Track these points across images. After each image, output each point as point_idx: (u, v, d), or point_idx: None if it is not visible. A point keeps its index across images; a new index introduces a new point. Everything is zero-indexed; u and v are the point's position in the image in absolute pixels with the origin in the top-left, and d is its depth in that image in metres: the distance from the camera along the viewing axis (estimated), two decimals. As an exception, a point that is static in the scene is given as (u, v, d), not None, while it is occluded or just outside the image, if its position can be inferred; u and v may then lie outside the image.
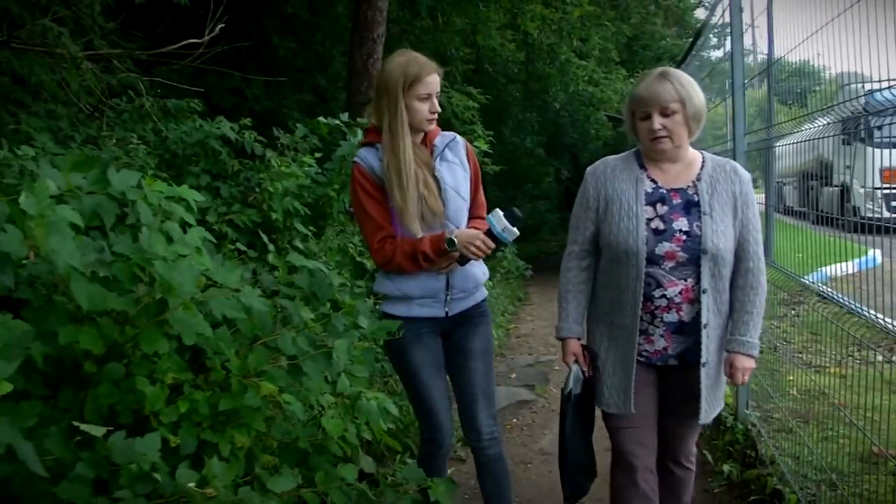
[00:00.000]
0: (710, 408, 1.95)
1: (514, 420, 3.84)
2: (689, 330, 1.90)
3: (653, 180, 1.93)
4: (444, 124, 6.19)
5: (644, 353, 1.94)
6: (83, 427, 1.33)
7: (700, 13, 16.77)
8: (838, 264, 2.81)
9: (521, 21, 8.06)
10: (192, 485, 1.33)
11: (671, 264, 1.86)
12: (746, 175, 1.95)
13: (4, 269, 1.48)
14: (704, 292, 1.86)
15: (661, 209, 1.89)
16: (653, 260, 1.86)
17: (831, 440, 2.56)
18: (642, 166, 1.96)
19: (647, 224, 1.87)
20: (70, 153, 2.14)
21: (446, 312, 2.09)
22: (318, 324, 1.79)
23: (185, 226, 1.65)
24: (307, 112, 6.13)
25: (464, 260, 2.01)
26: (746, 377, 1.94)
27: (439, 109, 2.05)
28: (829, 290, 2.71)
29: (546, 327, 6.26)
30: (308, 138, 4.25)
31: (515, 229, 1.96)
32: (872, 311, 2.36)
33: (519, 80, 9.47)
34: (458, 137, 2.19)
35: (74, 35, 3.71)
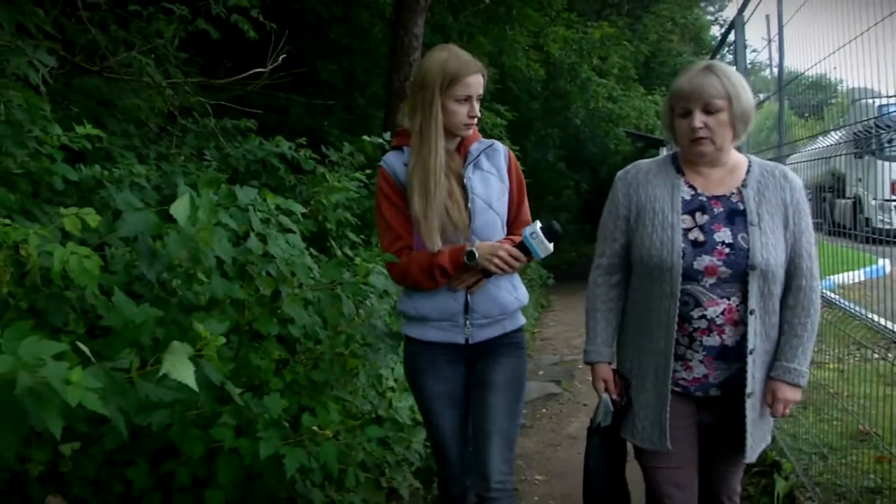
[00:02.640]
0: (756, 443, 1.73)
1: (544, 410, 4.26)
2: (734, 356, 1.67)
3: (691, 186, 1.73)
4: (474, 141, 6.59)
5: (681, 382, 1.71)
6: (227, 387, 1.73)
7: (715, 30, 17.11)
8: (847, 273, 3.10)
9: (544, 42, 8.47)
10: (315, 428, 1.72)
11: (712, 280, 1.65)
12: (798, 181, 1.74)
13: (152, 265, 1.91)
14: (752, 313, 1.63)
15: (701, 219, 1.69)
16: (690, 276, 1.65)
17: (825, 422, 2.92)
18: (679, 171, 1.75)
19: (685, 235, 1.67)
20: (206, 174, 2.55)
21: (466, 339, 1.85)
22: (392, 316, 2.19)
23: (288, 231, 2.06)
24: (346, 130, 6.59)
25: (488, 274, 1.81)
26: (788, 410, 1.71)
27: (479, 114, 1.85)
28: (835, 296, 2.99)
29: (568, 331, 6.64)
30: (354, 155, 4.70)
31: (550, 245, 1.77)
32: (874, 316, 2.64)
33: (541, 97, 9.88)
34: (499, 145, 1.96)
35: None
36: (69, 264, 1.59)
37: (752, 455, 1.71)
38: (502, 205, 1.90)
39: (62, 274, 1.65)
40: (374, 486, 2.07)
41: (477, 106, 1.84)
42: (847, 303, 2.83)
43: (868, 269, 2.96)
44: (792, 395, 1.69)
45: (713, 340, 1.66)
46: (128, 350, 1.34)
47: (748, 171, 1.73)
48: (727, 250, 1.65)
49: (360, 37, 6.77)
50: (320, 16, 6.43)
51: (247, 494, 1.81)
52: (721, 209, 1.69)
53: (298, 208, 2.07)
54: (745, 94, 1.65)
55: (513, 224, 1.95)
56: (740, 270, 1.64)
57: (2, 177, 2.21)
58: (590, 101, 9.78)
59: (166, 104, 4.56)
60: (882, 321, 2.51)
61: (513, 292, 1.91)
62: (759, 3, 3.55)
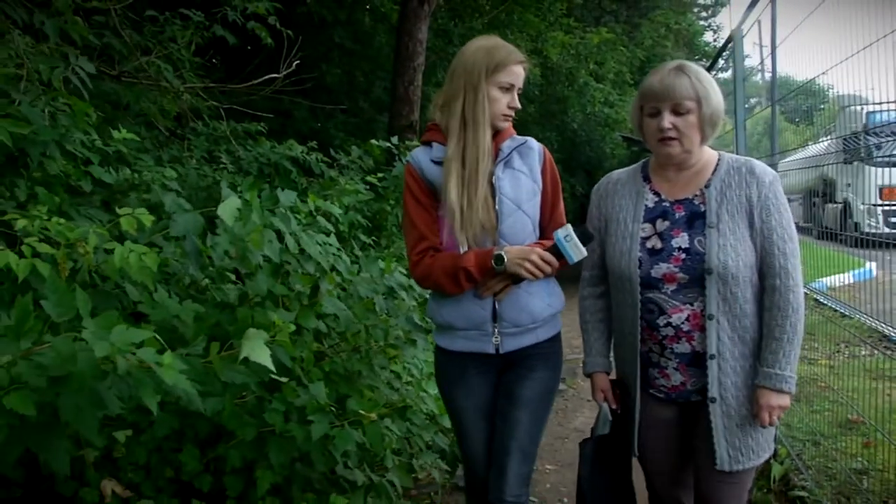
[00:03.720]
0: (736, 452, 1.64)
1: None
2: (706, 361, 1.64)
3: (656, 193, 1.71)
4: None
5: (662, 389, 1.71)
6: (273, 376, 1.85)
7: (708, 36, 17.37)
8: (837, 275, 3.24)
9: (543, 47, 8.64)
10: (361, 412, 1.85)
11: (672, 287, 1.63)
12: (768, 175, 1.63)
13: (198, 263, 2.03)
14: (710, 318, 1.60)
15: (661, 225, 1.67)
16: (650, 284, 1.64)
17: (817, 412, 3.11)
18: (646, 178, 1.74)
19: (643, 243, 1.66)
20: (247, 180, 2.66)
21: (496, 349, 1.77)
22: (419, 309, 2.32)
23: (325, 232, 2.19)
24: (350, 133, 6.71)
25: (517, 280, 1.72)
26: (775, 417, 1.62)
27: (519, 106, 1.77)
28: (826, 297, 3.12)
29: (569, 332, 6.71)
30: (363, 159, 4.82)
31: (584, 249, 1.68)
32: (862, 315, 2.80)
33: (538, 101, 10.03)
34: (534, 143, 1.84)
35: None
36: (129, 261, 1.69)
37: (728, 464, 1.63)
38: (533, 206, 1.79)
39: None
40: (405, 469, 2.20)
41: (517, 98, 1.76)
42: (840, 304, 3.00)
43: (856, 272, 3.08)
44: (777, 401, 1.59)
45: (683, 347, 1.64)
46: (201, 338, 1.45)
47: (715, 170, 1.67)
48: (683, 256, 1.62)
49: (363, 41, 6.89)
50: (325, 19, 6.55)
51: (292, 476, 1.93)
52: (682, 213, 1.66)
53: (336, 210, 2.19)
54: (716, 97, 1.61)
55: (546, 228, 1.84)
56: (697, 275, 1.60)
57: (45, 179, 2.32)
58: (587, 105, 9.95)
59: (178, 108, 4.68)
60: (869, 320, 2.67)
61: (545, 299, 1.80)
62: (759, 14, 3.68)
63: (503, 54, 1.72)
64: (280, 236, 2.01)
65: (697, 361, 1.64)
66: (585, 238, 1.69)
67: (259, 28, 4.06)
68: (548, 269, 1.68)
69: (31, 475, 1.81)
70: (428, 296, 1.94)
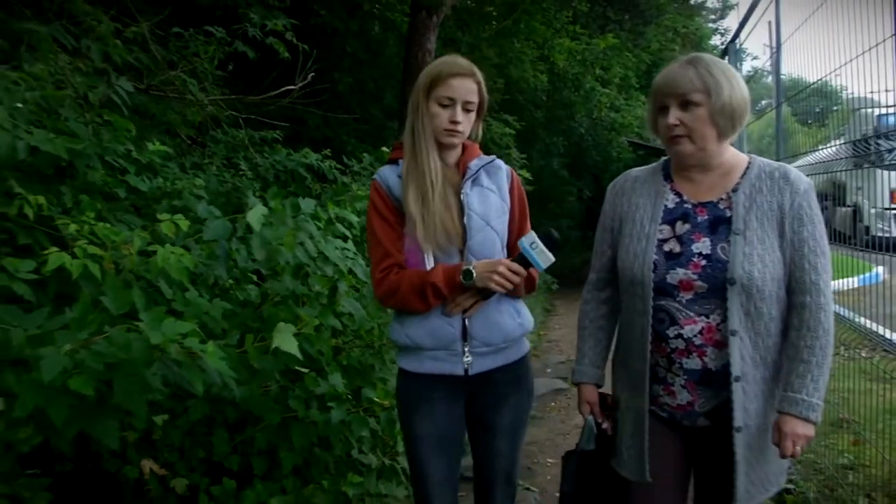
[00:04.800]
0: (755, 488, 1.51)
1: (553, 403, 4.64)
2: (720, 382, 1.49)
3: (677, 193, 1.58)
4: (482, 150, 6.93)
5: (666, 408, 1.56)
6: (296, 367, 2.05)
7: (716, 40, 17.48)
8: (843, 280, 3.33)
9: (549, 53, 8.84)
10: (376, 399, 2.05)
11: (688, 296, 1.49)
12: (803, 183, 1.51)
13: (226, 265, 2.24)
14: (734, 334, 1.45)
15: (681, 228, 1.54)
16: (664, 290, 1.51)
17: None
18: (668, 177, 1.62)
19: (660, 246, 1.54)
20: (272, 190, 2.87)
21: (466, 370, 1.69)
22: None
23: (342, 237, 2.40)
24: (361, 139, 6.93)
25: (486, 295, 1.67)
26: (799, 448, 1.46)
27: (461, 121, 1.69)
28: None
29: (572, 333, 6.94)
30: (375, 165, 5.04)
31: (551, 254, 1.64)
32: (864, 320, 2.85)
33: (545, 106, 10.23)
34: (501, 163, 1.84)
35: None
36: (169, 261, 1.91)
37: (746, 499, 1.49)
38: (502, 224, 1.76)
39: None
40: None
41: (460, 112, 1.68)
42: (839, 308, 3.09)
43: (864, 276, 3.15)
44: (803, 430, 1.44)
45: (693, 363, 1.49)
46: (234, 331, 1.66)
47: (744, 174, 1.54)
48: (703, 262, 1.49)
49: (373, 50, 7.13)
50: (337, 30, 6.78)
51: (312, 458, 2.13)
52: (705, 217, 1.54)
53: (354, 218, 2.40)
54: (729, 87, 1.47)
55: (513, 246, 1.79)
56: (718, 285, 1.46)
57: (86, 188, 2.55)
58: (593, 110, 10.13)
59: (200, 117, 4.92)
60: (869, 324, 2.75)
61: (516, 317, 1.76)
62: (754, 25, 3.60)
63: (440, 69, 1.68)
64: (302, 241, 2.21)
65: (708, 380, 1.49)
66: (551, 243, 1.63)
67: (277, 44, 4.28)
68: (516, 279, 1.63)
69: (80, 452, 2.02)
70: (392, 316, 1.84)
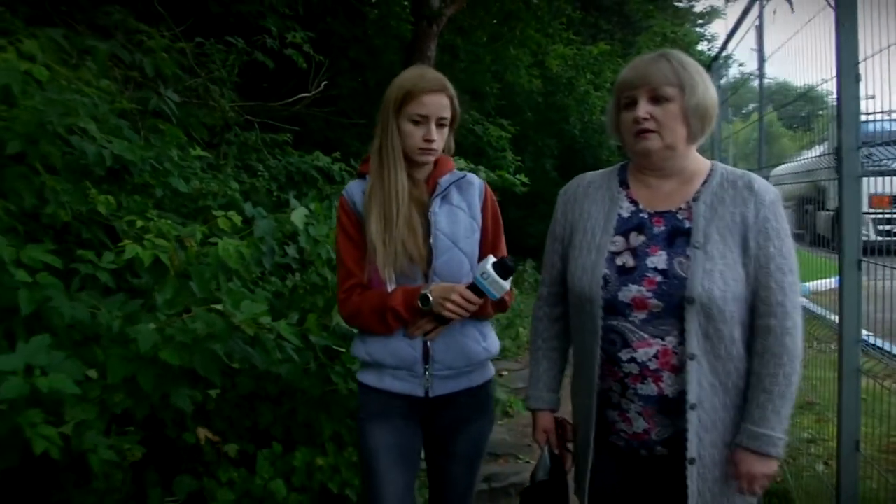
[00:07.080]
0: None
1: None
2: (678, 409, 1.37)
3: (633, 201, 1.47)
4: (479, 153, 7.26)
5: (623, 435, 1.43)
6: (333, 347, 2.38)
7: (702, 46, 17.94)
8: (821, 280, 3.59)
9: (544, 59, 9.21)
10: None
11: (642, 316, 1.37)
12: (769, 194, 1.39)
13: (271, 260, 2.55)
14: (692, 358, 1.34)
15: (636, 240, 1.42)
16: (616, 309, 1.38)
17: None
18: (624, 183, 1.50)
19: (612, 259, 1.41)
20: (312, 193, 3.19)
21: (426, 392, 1.66)
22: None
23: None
24: (364, 142, 7.24)
25: (443, 321, 1.61)
26: (758, 487, 1.35)
27: (435, 138, 1.63)
28: (805, 300, 3.37)
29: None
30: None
31: (505, 283, 1.56)
32: (836, 318, 3.08)
33: (539, 110, 10.58)
34: (474, 178, 1.77)
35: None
36: (229, 252, 2.21)
37: None
38: (470, 244, 1.70)
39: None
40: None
41: (434, 129, 1.62)
42: (815, 307, 3.37)
43: (840, 277, 3.36)
44: (760, 467, 1.33)
45: (649, 389, 1.37)
46: (294, 312, 1.98)
47: (706, 181, 1.43)
48: (659, 278, 1.36)
49: (374, 55, 7.44)
50: (343, 36, 7.08)
51: (347, 428, 2.46)
52: (662, 227, 1.42)
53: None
54: (703, 86, 1.39)
55: None
56: (674, 304, 1.34)
57: (139, 189, 2.85)
58: (586, 113, 10.50)
59: (220, 121, 5.22)
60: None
61: (481, 341, 1.72)
62: (744, 35, 3.68)
63: (411, 85, 1.61)
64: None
65: (666, 408, 1.38)
66: (505, 271, 1.56)
67: (296, 55, 4.59)
68: (471, 307, 1.58)
69: (147, 420, 2.33)
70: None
